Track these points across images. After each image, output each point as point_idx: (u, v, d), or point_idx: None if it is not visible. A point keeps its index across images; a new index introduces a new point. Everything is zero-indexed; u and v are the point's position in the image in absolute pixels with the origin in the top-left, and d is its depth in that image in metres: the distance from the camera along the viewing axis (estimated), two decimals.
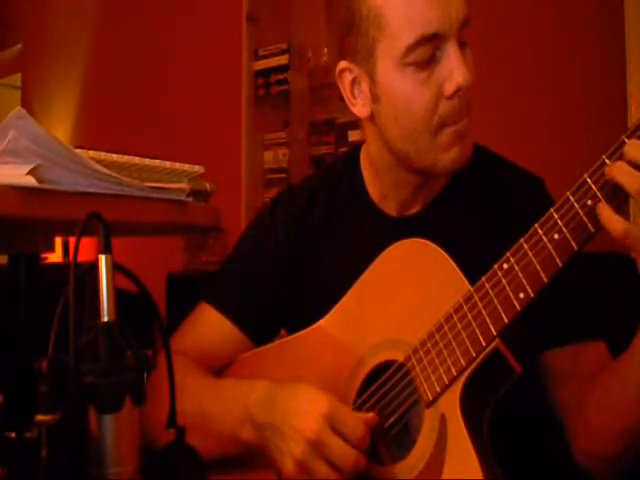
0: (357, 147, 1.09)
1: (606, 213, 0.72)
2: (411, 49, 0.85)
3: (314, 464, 0.81)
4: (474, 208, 0.98)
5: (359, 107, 0.94)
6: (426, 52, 0.86)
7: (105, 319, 0.58)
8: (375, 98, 0.92)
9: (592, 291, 0.94)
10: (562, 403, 0.92)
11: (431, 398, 0.82)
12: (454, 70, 0.86)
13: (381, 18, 0.87)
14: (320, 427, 0.81)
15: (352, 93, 0.94)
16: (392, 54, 0.87)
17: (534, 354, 0.93)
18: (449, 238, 0.88)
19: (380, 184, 1.01)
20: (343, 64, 0.93)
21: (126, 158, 0.85)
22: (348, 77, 0.94)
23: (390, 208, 1.01)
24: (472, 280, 0.82)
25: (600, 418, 0.86)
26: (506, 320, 0.77)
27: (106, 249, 0.60)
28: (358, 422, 0.82)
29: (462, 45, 0.88)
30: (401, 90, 0.88)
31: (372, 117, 0.94)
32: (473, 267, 0.82)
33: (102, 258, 0.59)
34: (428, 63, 0.86)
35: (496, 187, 0.99)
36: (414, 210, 1.00)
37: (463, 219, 0.98)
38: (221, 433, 0.91)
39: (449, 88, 0.86)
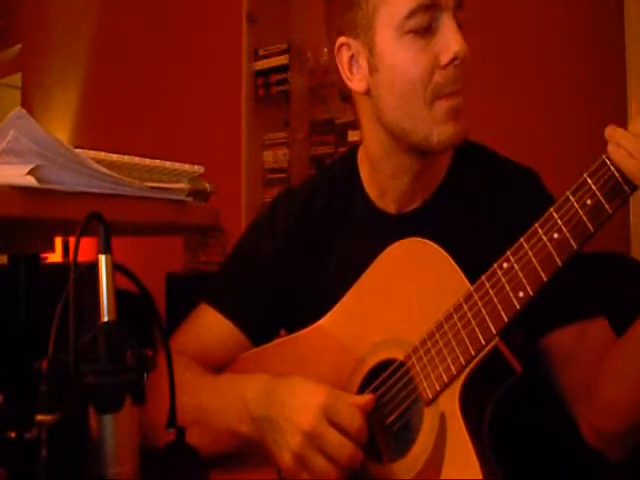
0: (354, 148, 1.09)
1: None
2: (410, 16, 0.87)
3: (311, 456, 0.81)
4: (472, 204, 0.98)
5: (356, 82, 0.95)
6: (424, 20, 0.88)
7: (105, 319, 0.58)
8: (372, 69, 0.93)
9: (591, 272, 0.94)
10: (569, 384, 0.92)
11: (431, 397, 0.82)
12: (450, 39, 0.88)
13: None
14: (316, 419, 0.81)
15: (350, 69, 0.95)
16: (392, 22, 0.89)
17: (537, 340, 0.92)
18: (448, 234, 0.89)
19: (378, 179, 1.01)
20: (342, 40, 0.95)
21: (126, 158, 0.85)
22: (346, 53, 0.95)
23: (389, 205, 1.01)
24: (472, 276, 0.82)
25: (614, 391, 0.86)
26: (506, 319, 0.77)
27: (106, 249, 0.59)
28: (355, 414, 0.82)
29: (458, 25, 0.89)
30: (399, 58, 0.90)
31: (368, 92, 0.95)
32: (472, 263, 0.82)
33: (102, 258, 0.59)
34: (425, 32, 0.88)
35: (493, 182, 0.99)
36: (412, 207, 1.00)
37: (461, 215, 0.98)
38: (220, 428, 0.91)
39: (445, 57, 0.88)
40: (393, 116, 0.93)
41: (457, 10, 0.89)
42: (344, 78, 0.97)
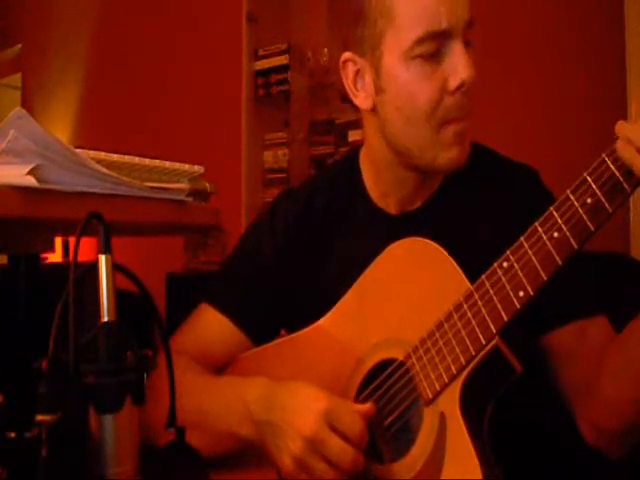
0: (356, 148, 1.09)
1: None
2: (418, 43, 0.87)
3: (312, 461, 0.81)
4: (472, 203, 0.99)
5: (361, 99, 0.95)
6: (432, 47, 0.87)
7: (105, 319, 0.58)
8: (379, 90, 0.92)
9: (590, 268, 0.94)
10: (569, 382, 0.92)
11: (431, 396, 0.82)
12: (458, 66, 0.87)
13: (391, 10, 0.88)
14: (318, 424, 0.81)
15: (355, 84, 0.95)
16: (399, 46, 0.88)
17: (537, 338, 0.92)
18: (448, 234, 0.89)
19: (380, 182, 1.02)
20: (347, 55, 0.94)
21: (126, 158, 0.85)
22: (352, 68, 0.94)
23: (390, 206, 1.01)
24: (472, 274, 0.82)
25: (614, 389, 0.85)
26: (506, 318, 0.77)
27: (106, 249, 0.59)
28: (356, 419, 0.82)
29: (466, 44, 0.89)
30: (406, 82, 0.89)
31: (374, 109, 0.94)
32: (473, 262, 0.82)
33: (102, 258, 0.59)
34: (433, 58, 0.87)
35: (493, 180, 0.99)
36: (414, 207, 1.01)
37: (461, 214, 0.98)
38: (220, 431, 0.91)
39: (453, 83, 0.87)
40: (398, 136, 0.93)
41: (467, 30, 0.88)
42: (349, 93, 0.96)
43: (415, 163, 0.94)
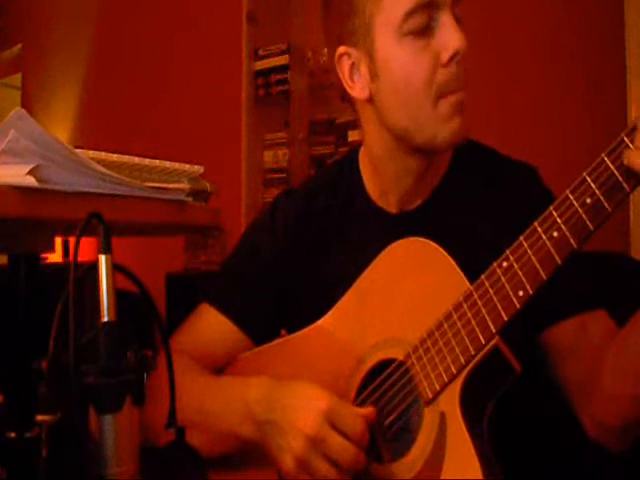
0: (355, 148, 1.09)
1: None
2: (407, 17, 0.87)
3: (313, 460, 0.81)
4: (471, 202, 0.99)
5: (358, 90, 0.95)
6: (422, 20, 0.87)
7: (105, 319, 0.59)
8: (374, 76, 0.92)
9: (590, 265, 0.94)
10: (571, 378, 0.92)
11: (431, 396, 0.82)
12: (449, 37, 0.87)
13: None
14: (319, 424, 0.81)
15: (351, 78, 0.95)
16: (389, 25, 0.88)
17: (538, 335, 0.92)
18: (448, 233, 0.89)
19: (380, 180, 1.01)
20: (342, 49, 0.94)
21: (126, 158, 0.85)
22: (347, 62, 0.95)
23: (390, 205, 1.01)
24: (472, 273, 0.82)
25: (615, 384, 0.85)
26: (505, 318, 0.77)
27: (106, 249, 0.60)
28: (357, 418, 0.82)
29: (457, 20, 0.89)
30: (399, 61, 0.89)
31: (371, 99, 0.94)
32: (472, 261, 0.82)
33: (102, 258, 0.59)
34: (424, 33, 0.88)
35: (492, 179, 1.00)
36: (413, 205, 1.01)
37: (461, 213, 0.98)
38: (221, 430, 0.92)
39: (446, 54, 0.88)
40: (397, 120, 0.93)
41: (456, 5, 0.89)
42: (346, 87, 0.96)
43: (417, 144, 0.93)
